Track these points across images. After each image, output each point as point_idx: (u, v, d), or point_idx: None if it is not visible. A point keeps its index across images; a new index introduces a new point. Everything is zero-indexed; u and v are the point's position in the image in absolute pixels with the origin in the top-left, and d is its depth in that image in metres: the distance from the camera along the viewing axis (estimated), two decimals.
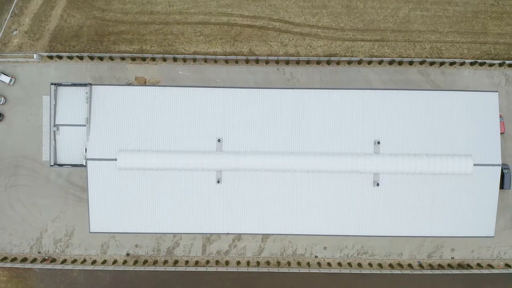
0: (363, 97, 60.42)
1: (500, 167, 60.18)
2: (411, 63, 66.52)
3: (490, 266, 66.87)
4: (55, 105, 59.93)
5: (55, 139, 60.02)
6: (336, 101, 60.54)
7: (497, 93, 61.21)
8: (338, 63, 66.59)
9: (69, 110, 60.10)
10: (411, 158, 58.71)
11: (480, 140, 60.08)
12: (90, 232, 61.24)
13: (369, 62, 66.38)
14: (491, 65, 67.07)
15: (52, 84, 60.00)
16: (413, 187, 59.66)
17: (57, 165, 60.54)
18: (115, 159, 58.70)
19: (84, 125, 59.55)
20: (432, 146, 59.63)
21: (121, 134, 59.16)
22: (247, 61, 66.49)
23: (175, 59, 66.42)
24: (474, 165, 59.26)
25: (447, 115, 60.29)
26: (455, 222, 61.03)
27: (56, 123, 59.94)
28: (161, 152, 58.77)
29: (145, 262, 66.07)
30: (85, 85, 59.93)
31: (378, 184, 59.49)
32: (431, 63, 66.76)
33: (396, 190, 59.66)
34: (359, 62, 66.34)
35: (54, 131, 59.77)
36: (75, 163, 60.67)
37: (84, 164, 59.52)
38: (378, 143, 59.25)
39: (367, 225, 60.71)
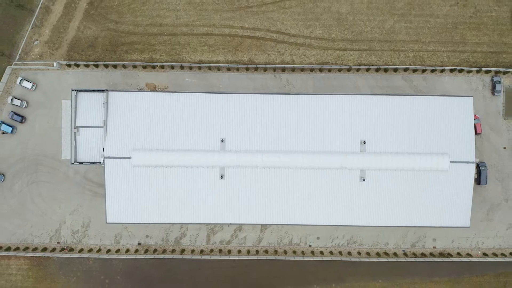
0: (351, 101, 69.42)
1: (474, 164, 69.12)
2: (395, 70, 75.62)
3: (469, 255, 75.59)
4: (75, 109, 69.05)
5: (75, 140, 69.16)
6: (327, 104, 69.50)
7: (472, 97, 70.07)
8: (329, 70, 75.69)
9: (88, 113, 69.23)
10: (393, 156, 67.79)
11: (456, 140, 69.00)
12: (106, 223, 70.22)
13: (358, 70, 75.51)
14: (469, 71, 76.00)
15: (72, 90, 69.11)
16: (396, 182, 68.71)
17: (77, 162, 69.59)
18: (130, 157, 67.76)
19: (102, 127, 68.71)
20: (413, 145, 68.64)
21: (134, 135, 68.22)
22: (247, 69, 75.55)
23: (182, 67, 75.50)
24: (451, 162, 68.29)
25: (427, 117, 69.24)
26: (434, 213, 69.99)
27: (76, 125, 69.07)
28: (171, 151, 67.83)
29: (155, 251, 74.96)
30: (103, 91, 69.01)
31: (364, 179, 68.60)
32: (414, 70, 75.75)
33: (380, 184, 68.72)
34: (349, 69, 75.44)
35: (74, 132, 68.89)
36: (93, 161, 69.72)
37: (102, 162, 68.60)
38: (364, 143, 68.36)
39: (355, 216, 69.73)
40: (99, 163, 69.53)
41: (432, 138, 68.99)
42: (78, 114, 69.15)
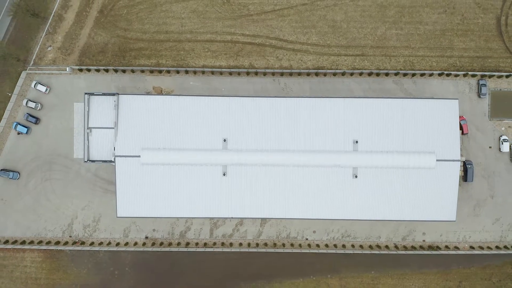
0: (345, 104, 76.38)
1: (459, 162, 75.92)
2: (387, 74, 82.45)
3: (456, 248, 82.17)
4: (88, 111, 76.04)
5: (88, 140, 76.12)
6: (322, 107, 76.41)
7: (457, 100, 76.94)
8: (325, 74, 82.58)
9: (100, 115, 76.20)
10: (384, 155, 74.76)
11: (443, 140, 75.84)
12: (117, 217, 77.16)
13: (351, 74, 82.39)
14: (456, 75, 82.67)
15: (85, 93, 76.12)
16: (386, 179, 75.60)
17: (90, 161, 76.59)
18: (139, 156, 74.75)
19: (112, 128, 75.72)
20: (402, 144, 75.50)
21: (143, 135, 75.19)
22: (247, 73, 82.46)
23: (186, 72, 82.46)
24: (437, 160, 75.14)
25: (415, 118, 76.07)
26: (422, 208, 76.82)
27: (89, 126, 76.08)
28: (177, 150, 74.83)
29: (161, 244, 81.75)
30: (113, 94, 76.02)
31: (356, 176, 75.54)
32: (405, 74, 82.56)
33: (372, 181, 75.64)
34: (343, 74, 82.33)
35: (87, 133, 75.87)
36: (105, 159, 76.65)
37: (113, 160, 75.55)
38: (357, 142, 75.31)
39: (349, 211, 76.65)
40: (110, 161, 76.43)
41: (420, 138, 75.75)
42: (91, 116, 76.14)
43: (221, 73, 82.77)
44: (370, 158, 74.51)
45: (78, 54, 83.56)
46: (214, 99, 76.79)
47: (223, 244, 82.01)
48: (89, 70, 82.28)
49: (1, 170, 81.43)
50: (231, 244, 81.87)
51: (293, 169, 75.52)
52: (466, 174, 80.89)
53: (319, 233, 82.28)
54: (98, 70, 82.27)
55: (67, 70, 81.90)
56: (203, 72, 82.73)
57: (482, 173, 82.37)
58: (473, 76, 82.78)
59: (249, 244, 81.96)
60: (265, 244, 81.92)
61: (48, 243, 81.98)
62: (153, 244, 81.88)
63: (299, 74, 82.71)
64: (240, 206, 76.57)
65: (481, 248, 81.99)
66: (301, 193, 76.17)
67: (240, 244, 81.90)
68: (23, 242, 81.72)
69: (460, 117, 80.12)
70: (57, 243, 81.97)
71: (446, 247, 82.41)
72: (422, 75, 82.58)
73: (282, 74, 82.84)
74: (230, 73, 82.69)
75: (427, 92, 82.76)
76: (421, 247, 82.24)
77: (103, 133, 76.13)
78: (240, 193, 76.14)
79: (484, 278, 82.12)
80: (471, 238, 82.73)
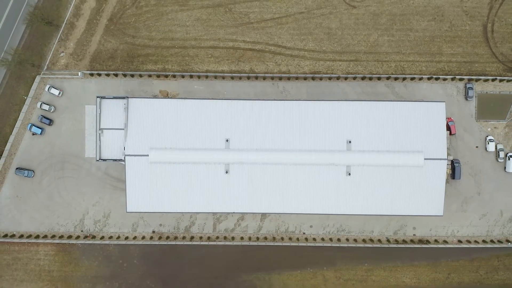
0: (339, 106, 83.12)
1: (446, 160, 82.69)
2: (379, 78, 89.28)
3: (445, 241, 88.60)
4: (99, 113, 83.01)
5: (100, 140, 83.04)
6: (318, 109, 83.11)
7: (444, 103, 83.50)
8: (321, 79, 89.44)
9: (111, 117, 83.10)
10: (375, 154, 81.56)
11: (430, 140, 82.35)
12: (126, 212, 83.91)
13: (346, 78, 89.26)
14: (445, 79, 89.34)
15: (97, 97, 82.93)
16: (378, 176, 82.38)
17: (101, 159, 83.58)
18: (147, 155, 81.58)
19: (122, 129, 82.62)
20: (392, 144, 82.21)
21: (151, 135, 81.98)
22: (248, 78, 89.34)
23: (191, 76, 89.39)
24: (425, 159, 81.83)
25: (405, 120, 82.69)
26: (412, 203, 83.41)
27: (101, 127, 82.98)
28: (182, 149, 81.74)
29: (167, 238, 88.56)
30: (123, 98, 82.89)
31: (350, 174, 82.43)
32: (396, 79, 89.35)
33: (364, 178, 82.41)
34: (338, 78, 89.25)
35: (99, 134, 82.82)
36: (115, 158, 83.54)
37: (123, 159, 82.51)
38: (350, 142, 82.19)
39: (343, 206, 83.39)
40: (120, 160, 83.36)
41: (409, 138, 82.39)
42: (102, 118, 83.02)
43: (223, 78, 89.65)
44: (363, 157, 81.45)
45: (89, 60, 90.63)
46: (216, 102, 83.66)
47: (225, 238, 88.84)
48: (99, 74, 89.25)
49: (17, 168, 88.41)
50: (233, 238, 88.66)
51: (291, 167, 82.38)
52: (454, 172, 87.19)
53: (316, 228, 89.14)
54: (108, 75, 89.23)
55: (79, 74, 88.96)
56: (206, 77, 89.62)
57: (469, 171, 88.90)
58: (461, 80, 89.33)
59: (249, 238, 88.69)
60: (265, 238, 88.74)
61: (61, 237, 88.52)
62: (160, 238, 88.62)
63: (297, 78, 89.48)
64: (242, 202, 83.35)
65: (469, 242, 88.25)
66: (298, 189, 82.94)
67: (242, 238, 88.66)
68: (37, 236, 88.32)
69: (448, 118, 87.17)
70: (69, 237, 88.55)
71: (436, 241, 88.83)
72: (412, 79, 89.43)
73: (280, 79, 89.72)
74: (232, 78, 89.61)
75: (417, 95, 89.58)
76: (412, 241, 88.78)
77: (114, 133, 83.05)
78: (241, 190, 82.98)
79: (472, 271, 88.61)
80: (459, 232, 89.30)
